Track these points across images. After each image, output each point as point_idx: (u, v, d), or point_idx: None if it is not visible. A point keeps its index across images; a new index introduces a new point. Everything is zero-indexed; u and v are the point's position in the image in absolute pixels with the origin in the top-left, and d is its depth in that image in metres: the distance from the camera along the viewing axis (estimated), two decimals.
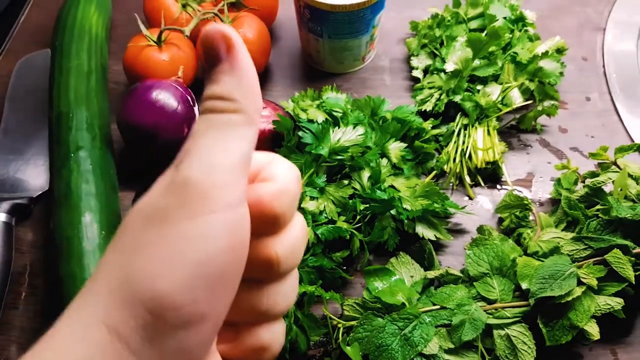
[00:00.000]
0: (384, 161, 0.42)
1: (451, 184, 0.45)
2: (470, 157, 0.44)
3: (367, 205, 0.39)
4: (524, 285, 0.34)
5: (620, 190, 0.37)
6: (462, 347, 0.34)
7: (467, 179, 0.45)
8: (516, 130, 0.49)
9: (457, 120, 0.46)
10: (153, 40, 0.46)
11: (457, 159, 0.44)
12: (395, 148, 0.43)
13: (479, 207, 0.44)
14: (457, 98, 0.46)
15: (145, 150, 0.44)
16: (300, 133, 0.40)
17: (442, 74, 0.48)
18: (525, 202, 0.40)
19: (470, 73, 0.46)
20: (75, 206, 0.40)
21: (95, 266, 0.37)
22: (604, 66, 0.53)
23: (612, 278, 0.33)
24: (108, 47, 0.54)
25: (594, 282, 0.33)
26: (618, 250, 0.33)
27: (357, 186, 0.40)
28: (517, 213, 0.41)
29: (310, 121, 0.42)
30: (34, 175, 0.46)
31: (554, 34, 0.50)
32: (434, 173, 0.45)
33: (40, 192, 0.45)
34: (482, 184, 0.45)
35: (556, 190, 0.42)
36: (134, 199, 0.42)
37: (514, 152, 0.47)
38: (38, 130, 0.49)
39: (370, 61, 0.54)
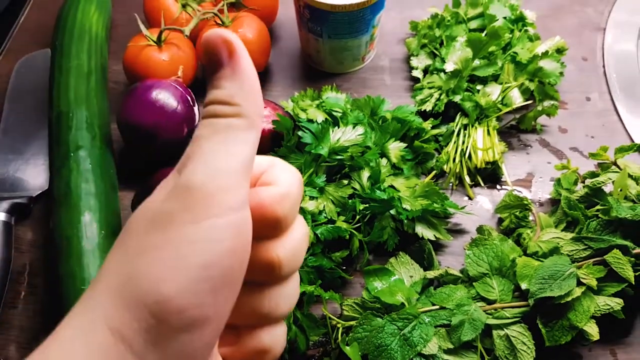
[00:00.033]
0: (384, 161, 0.42)
1: (451, 184, 0.45)
2: (470, 157, 0.44)
3: (367, 205, 0.39)
4: (524, 286, 0.34)
5: (620, 190, 0.37)
6: (462, 348, 0.34)
7: (467, 179, 0.45)
8: (516, 130, 0.49)
9: (456, 120, 0.46)
10: (153, 40, 0.46)
11: (457, 159, 0.44)
12: (395, 148, 0.43)
13: (479, 207, 0.44)
14: (457, 98, 0.46)
15: (145, 149, 0.44)
16: (299, 133, 0.40)
17: (442, 74, 0.48)
18: (525, 202, 0.40)
19: (470, 73, 0.46)
20: (74, 205, 0.40)
21: (95, 266, 0.37)
22: (604, 66, 0.52)
23: (611, 278, 0.33)
24: (108, 47, 0.54)
25: (593, 283, 0.33)
26: (618, 250, 0.33)
27: (357, 186, 0.40)
28: (517, 213, 0.41)
29: (310, 121, 0.42)
30: (34, 175, 0.46)
31: (554, 33, 0.50)
32: (433, 173, 0.45)
33: (40, 192, 0.45)
34: (482, 184, 0.45)
35: (556, 191, 0.42)
36: (133, 198, 0.42)
37: (513, 152, 0.47)
38: (38, 130, 0.49)
39: (370, 61, 0.54)
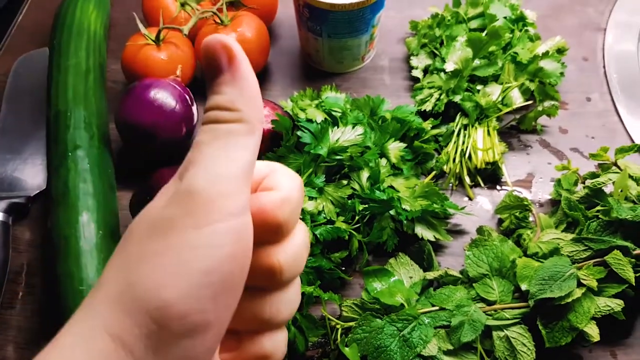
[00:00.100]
0: (383, 161, 0.42)
1: (451, 185, 0.45)
2: (470, 157, 0.44)
3: (366, 206, 0.38)
4: (524, 287, 0.34)
5: (621, 191, 0.37)
6: (461, 349, 0.33)
7: (467, 179, 0.45)
8: (516, 130, 0.48)
9: (456, 120, 0.46)
10: (151, 39, 0.46)
11: (457, 160, 0.44)
12: (395, 148, 0.43)
13: (479, 208, 0.44)
14: (457, 98, 0.46)
15: (143, 149, 0.44)
16: (299, 133, 0.40)
17: (442, 74, 0.48)
18: (525, 202, 0.40)
19: (470, 73, 0.46)
20: (72, 205, 0.39)
21: (92, 266, 0.37)
22: (604, 66, 0.52)
23: (612, 279, 0.33)
24: (106, 45, 0.54)
25: (593, 284, 0.33)
26: (618, 251, 0.33)
27: (356, 186, 0.40)
28: (517, 214, 0.41)
29: (309, 121, 0.42)
30: (32, 174, 0.46)
31: (555, 33, 0.50)
32: (433, 173, 0.44)
33: (38, 191, 0.45)
34: (482, 184, 0.45)
35: (556, 191, 0.42)
36: (132, 198, 0.42)
37: (514, 152, 0.47)
38: (36, 129, 0.48)
39: (369, 61, 0.54)
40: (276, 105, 0.44)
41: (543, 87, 0.46)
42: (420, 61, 0.51)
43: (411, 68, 0.51)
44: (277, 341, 0.20)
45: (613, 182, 0.38)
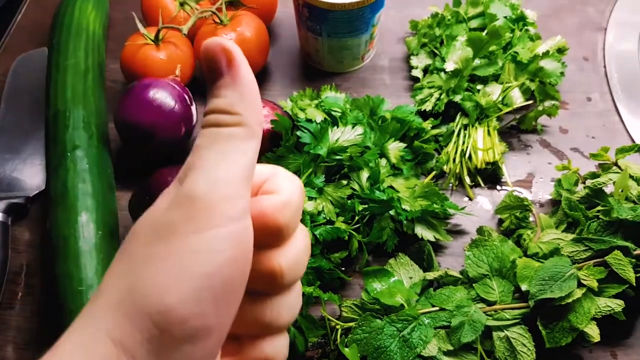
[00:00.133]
0: (383, 161, 0.42)
1: (451, 185, 0.45)
2: (470, 157, 0.44)
3: (366, 206, 0.38)
4: (524, 287, 0.34)
5: (621, 191, 0.37)
6: (461, 349, 0.33)
7: (467, 179, 0.45)
8: (516, 130, 0.48)
9: (457, 120, 0.46)
10: (151, 39, 0.45)
11: (457, 160, 0.44)
12: (395, 148, 0.42)
13: (479, 208, 0.44)
14: (457, 98, 0.46)
15: (142, 149, 0.44)
16: (298, 133, 0.40)
17: (442, 74, 0.47)
18: (526, 203, 0.40)
19: (471, 73, 0.46)
20: (71, 205, 0.39)
21: (92, 266, 0.37)
22: (605, 66, 0.52)
23: (612, 280, 0.33)
24: (105, 45, 0.53)
25: (594, 284, 0.32)
26: (619, 251, 0.33)
27: (356, 186, 0.40)
28: (517, 214, 0.41)
29: (309, 121, 0.41)
30: (31, 175, 0.46)
31: (555, 33, 0.50)
32: (433, 173, 0.44)
33: (37, 192, 0.45)
34: (482, 184, 0.45)
35: (556, 191, 0.42)
36: (131, 198, 0.41)
37: (514, 152, 0.47)
38: (35, 129, 0.48)
39: (369, 60, 0.54)
40: (276, 105, 0.44)
41: (543, 86, 0.46)
42: (420, 61, 0.51)
43: (411, 68, 0.51)
44: (278, 345, 0.20)
45: (613, 182, 0.38)
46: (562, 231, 0.38)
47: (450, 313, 0.34)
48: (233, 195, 0.16)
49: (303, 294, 0.35)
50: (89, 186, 0.41)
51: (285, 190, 0.19)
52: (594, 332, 0.32)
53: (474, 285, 0.35)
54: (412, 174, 0.43)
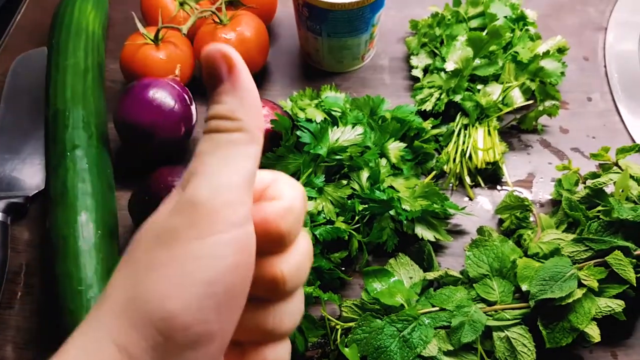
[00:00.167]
0: (383, 161, 0.42)
1: (451, 185, 0.45)
2: (470, 157, 0.44)
3: (366, 206, 0.38)
4: (524, 287, 0.34)
5: (622, 191, 0.37)
6: (462, 349, 0.33)
7: (467, 179, 0.44)
8: (517, 130, 0.48)
9: (457, 120, 0.46)
10: (150, 39, 0.45)
11: (457, 159, 0.44)
12: (395, 148, 0.42)
13: (479, 208, 0.44)
14: (458, 98, 0.46)
15: (142, 148, 0.44)
16: (298, 132, 0.40)
17: (442, 73, 0.47)
18: (526, 203, 0.40)
19: (471, 72, 0.46)
20: (71, 205, 0.39)
21: (91, 266, 0.37)
22: (605, 66, 0.52)
23: (613, 280, 0.33)
24: (105, 45, 0.53)
25: (594, 284, 0.32)
26: (619, 251, 0.33)
27: (356, 186, 0.40)
28: (518, 214, 0.40)
29: (309, 120, 0.41)
30: (30, 174, 0.46)
31: (555, 33, 0.50)
32: (433, 173, 0.44)
33: (37, 191, 0.45)
34: (482, 184, 0.45)
35: (557, 191, 0.42)
36: (130, 198, 0.41)
37: (514, 152, 0.47)
38: (34, 129, 0.48)
39: (369, 60, 0.54)
40: (275, 105, 0.44)
41: (544, 86, 0.46)
42: (421, 60, 0.51)
43: (411, 67, 0.51)
44: (280, 352, 0.20)
45: (614, 182, 0.38)
46: (563, 231, 0.38)
47: (451, 313, 0.34)
48: (235, 200, 0.16)
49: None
50: (88, 186, 0.40)
51: (287, 196, 0.19)
52: (594, 332, 0.32)
53: (474, 285, 0.35)
54: (412, 174, 0.43)
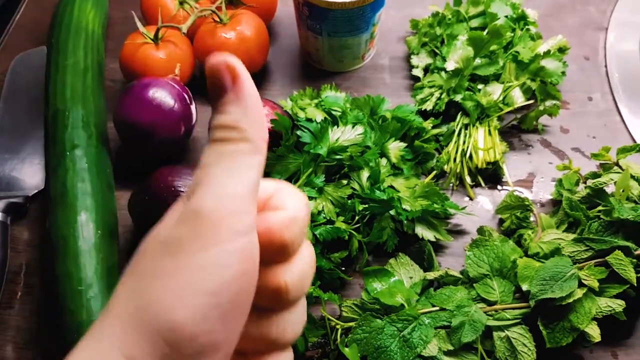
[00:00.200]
0: (384, 161, 0.42)
1: (451, 185, 0.45)
2: (470, 157, 0.44)
3: (366, 206, 0.38)
4: (525, 287, 0.34)
5: (622, 191, 0.37)
6: (462, 349, 0.33)
7: (468, 179, 0.44)
8: (517, 130, 0.48)
9: (457, 119, 0.46)
10: (150, 38, 0.45)
11: (458, 159, 0.44)
12: (395, 148, 0.42)
13: (479, 208, 0.44)
14: (458, 97, 0.46)
15: (141, 148, 0.44)
16: (298, 132, 0.40)
17: (443, 73, 0.47)
18: (526, 202, 0.40)
19: (471, 72, 0.46)
20: (71, 205, 0.39)
21: (91, 265, 0.37)
22: (606, 66, 0.52)
23: (613, 280, 0.33)
24: (105, 44, 0.53)
25: (595, 284, 0.32)
26: (619, 251, 0.33)
27: (356, 186, 0.40)
28: (518, 214, 0.40)
29: (309, 120, 0.41)
30: (30, 174, 0.46)
31: (556, 32, 0.50)
32: (434, 173, 0.44)
33: (36, 191, 0.45)
34: (483, 184, 0.45)
35: (557, 191, 0.42)
36: (130, 198, 0.41)
37: (515, 152, 0.47)
38: (34, 129, 0.48)
39: (369, 60, 0.54)
40: (275, 104, 0.44)
41: (544, 86, 0.46)
42: (421, 60, 0.50)
43: (412, 67, 0.51)
44: None
45: (615, 182, 0.38)
46: (563, 231, 0.38)
47: (451, 313, 0.34)
48: (240, 210, 0.16)
49: None
50: (88, 186, 0.40)
51: (291, 206, 0.19)
52: (594, 332, 0.32)
53: (474, 285, 0.35)
54: (412, 174, 0.42)
